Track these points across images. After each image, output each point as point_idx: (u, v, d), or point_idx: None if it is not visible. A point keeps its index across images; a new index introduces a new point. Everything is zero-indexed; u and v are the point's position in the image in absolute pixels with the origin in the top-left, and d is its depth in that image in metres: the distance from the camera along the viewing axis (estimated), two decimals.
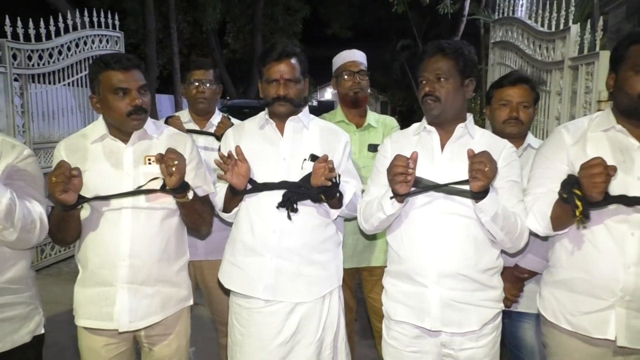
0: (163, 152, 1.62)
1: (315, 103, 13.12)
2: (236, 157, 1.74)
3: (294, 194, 1.76)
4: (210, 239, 2.27)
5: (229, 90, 13.54)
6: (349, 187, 1.85)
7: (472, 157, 1.47)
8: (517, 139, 2.01)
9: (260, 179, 1.82)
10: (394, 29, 15.38)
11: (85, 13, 5.26)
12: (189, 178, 1.68)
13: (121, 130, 1.73)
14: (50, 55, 4.85)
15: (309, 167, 1.76)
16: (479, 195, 1.50)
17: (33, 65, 4.64)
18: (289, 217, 1.77)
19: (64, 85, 5.14)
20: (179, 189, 1.63)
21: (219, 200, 1.89)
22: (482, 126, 1.84)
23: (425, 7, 10.81)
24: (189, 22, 13.99)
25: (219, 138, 2.34)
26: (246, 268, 1.84)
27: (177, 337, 1.85)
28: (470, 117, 1.74)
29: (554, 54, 3.69)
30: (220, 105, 7.88)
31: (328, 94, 19.88)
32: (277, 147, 1.87)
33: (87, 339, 1.76)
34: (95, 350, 1.76)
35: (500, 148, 1.67)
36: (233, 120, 2.48)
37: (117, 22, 5.70)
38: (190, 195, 1.68)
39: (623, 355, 1.54)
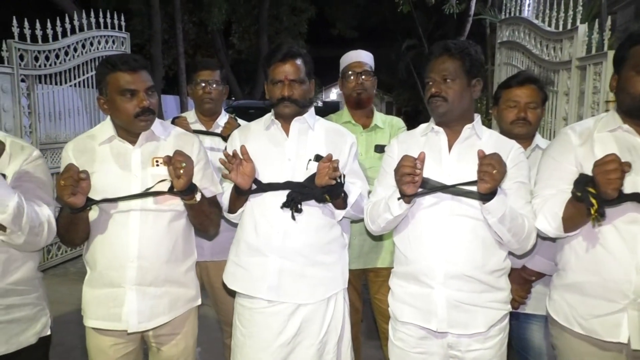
0: (170, 153, 1.62)
1: (320, 104, 13.12)
2: (241, 157, 1.74)
3: (298, 194, 1.76)
4: (217, 239, 2.27)
5: (234, 90, 13.57)
6: (354, 188, 1.84)
7: (482, 158, 1.46)
8: (525, 139, 2.00)
9: (265, 179, 1.82)
10: (400, 29, 15.36)
11: (92, 14, 5.29)
12: (196, 179, 1.68)
13: (129, 131, 1.73)
14: (57, 56, 4.88)
15: (314, 167, 1.75)
16: (486, 196, 1.50)
17: (40, 66, 4.66)
18: (293, 217, 1.76)
19: (71, 86, 5.16)
20: (187, 191, 1.63)
21: (225, 201, 1.90)
22: (489, 127, 1.83)
23: (430, 7, 10.79)
24: (194, 22, 14.04)
25: (225, 139, 2.34)
26: (250, 268, 1.84)
27: (184, 337, 1.85)
28: (477, 117, 1.73)
29: (561, 54, 3.67)
30: (226, 105, 7.90)
31: (333, 94, 19.89)
32: (282, 147, 1.86)
33: (95, 339, 1.77)
34: (104, 350, 1.76)
35: (508, 149, 1.66)
36: (239, 121, 2.48)
37: (123, 23, 5.72)
38: (198, 197, 1.68)
39: (636, 359, 1.53)
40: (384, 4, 13.99)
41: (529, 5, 4.67)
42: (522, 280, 1.93)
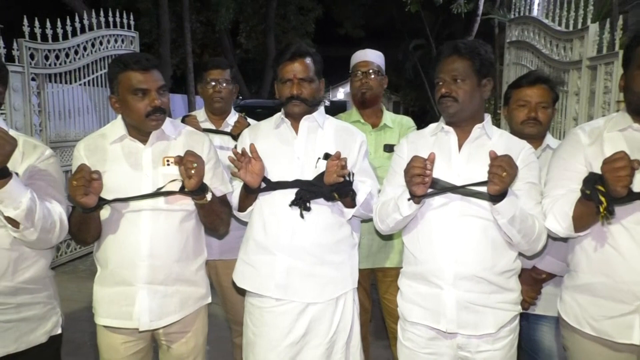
0: (181, 153, 1.63)
1: (327, 103, 13.12)
2: (250, 155, 1.75)
3: (306, 192, 1.76)
4: (226, 238, 2.27)
5: (241, 90, 13.60)
6: (363, 187, 1.84)
7: (493, 159, 1.45)
8: (536, 139, 1.99)
9: (274, 177, 1.82)
10: (407, 28, 15.32)
11: (101, 13, 5.32)
12: (206, 178, 1.69)
13: (140, 130, 1.74)
14: (67, 55, 4.91)
15: (323, 166, 1.75)
16: (496, 198, 1.49)
17: (50, 64, 4.69)
18: (302, 216, 1.76)
19: (80, 84, 5.19)
20: (198, 191, 1.64)
21: (234, 199, 1.90)
22: (497, 127, 1.82)
23: (438, 7, 10.75)
24: (202, 22, 14.07)
25: (234, 137, 2.35)
26: (258, 266, 1.84)
27: (194, 335, 1.86)
28: (488, 117, 1.72)
29: (571, 53, 3.65)
30: (233, 105, 7.88)
31: (341, 93, 19.88)
32: (292, 146, 1.87)
33: (107, 336, 1.78)
34: (115, 347, 1.77)
35: (518, 149, 1.65)
36: (249, 120, 2.48)
37: (132, 22, 5.74)
38: (208, 196, 1.69)
39: None
40: (392, 4, 13.95)
41: (538, 4, 4.65)
42: (532, 281, 1.92)
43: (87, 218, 1.64)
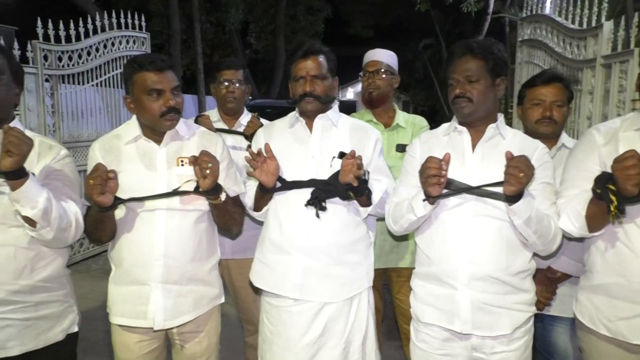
0: (195, 153, 1.64)
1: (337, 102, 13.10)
2: (265, 155, 1.75)
3: (321, 192, 1.75)
4: (238, 237, 2.28)
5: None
6: (379, 185, 1.83)
7: (510, 160, 1.44)
8: (551, 139, 1.97)
9: (289, 177, 1.82)
10: (416, 28, 15.26)
11: (113, 15, 5.36)
12: (220, 178, 1.69)
13: (154, 130, 1.75)
14: (80, 56, 4.95)
15: (337, 165, 1.75)
16: (512, 198, 1.48)
17: (63, 66, 4.74)
18: (317, 216, 1.76)
19: (92, 85, 5.24)
20: (212, 191, 1.65)
21: (248, 200, 1.90)
22: (509, 126, 1.81)
23: (448, 6, 10.70)
24: (212, 22, 14.12)
25: (247, 137, 2.36)
26: (274, 266, 1.84)
27: (207, 335, 1.86)
28: (501, 117, 1.71)
29: (585, 51, 3.61)
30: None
31: (350, 93, 19.84)
32: (306, 145, 1.86)
33: (121, 335, 1.79)
34: (129, 346, 1.79)
35: (532, 149, 1.64)
36: (262, 120, 2.49)
37: (143, 23, 5.78)
38: (222, 196, 1.70)
39: None
40: (401, 3, 13.90)
41: (550, 2, 4.60)
42: (547, 281, 1.90)
43: (102, 217, 1.65)
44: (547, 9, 4.53)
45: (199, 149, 1.68)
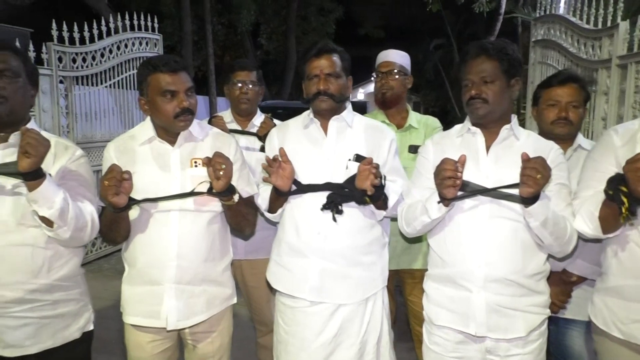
0: (208, 154, 1.64)
1: None
2: (280, 159, 1.75)
3: (338, 196, 1.75)
4: (251, 238, 2.28)
5: None
6: (395, 187, 1.82)
7: (526, 161, 1.43)
8: (566, 140, 1.95)
9: (304, 179, 1.81)
10: (427, 28, 15.19)
11: (126, 16, 5.40)
12: (233, 179, 1.69)
13: (168, 131, 1.76)
14: (93, 58, 4.99)
15: (353, 167, 1.74)
16: (528, 200, 1.47)
17: (77, 67, 4.79)
18: (334, 219, 1.76)
19: (106, 87, 5.28)
20: (226, 192, 1.65)
21: (262, 202, 1.90)
22: (522, 127, 1.80)
23: (459, 6, 10.64)
24: (223, 24, 14.20)
25: (261, 138, 2.37)
26: (292, 269, 1.84)
27: (220, 335, 1.87)
28: (514, 118, 1.70)
29: (600, 52, 3.57)
30: None
31: (360, 94, 19.82)
32: (321, 147, 1.86)
33: (134, 335, 1.80)
34: (142, 346, 1.80)
35: (547, 150, 1.63)
36: (275, 120, 2.49)
37: (156, 25, 5.81)
38: (236, 198, 1.70)
39: None
40: (412, 3, 13.86)
41: (564, 2, 4.56)
42: (563, 284, 1.88)
43: (117, 218, 1.66)
44: (561, 9, 4.49)
45: (213, 150, 1.68)
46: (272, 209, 1.89)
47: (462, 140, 1.72)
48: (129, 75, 5.52)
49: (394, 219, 1.90)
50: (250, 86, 2.43)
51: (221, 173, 1.59)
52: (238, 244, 2.31)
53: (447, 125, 2.50)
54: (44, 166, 1.46)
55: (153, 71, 1.68)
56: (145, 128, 1.79)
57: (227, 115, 2.52)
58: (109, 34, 5.15)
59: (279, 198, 1.84)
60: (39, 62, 4.39)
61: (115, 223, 1.69)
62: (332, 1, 14.98)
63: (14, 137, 1.56)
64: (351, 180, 1.73)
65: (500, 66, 1.60)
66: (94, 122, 5.18)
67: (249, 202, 1.87)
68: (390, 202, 1.80)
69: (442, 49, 14.50)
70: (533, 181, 1.42)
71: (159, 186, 1.71)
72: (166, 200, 1.69)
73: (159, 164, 1.74)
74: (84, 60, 4.86)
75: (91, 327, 1.75)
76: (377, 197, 1.74)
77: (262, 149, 2.26)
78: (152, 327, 1.76)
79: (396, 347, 1.98)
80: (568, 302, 1.91)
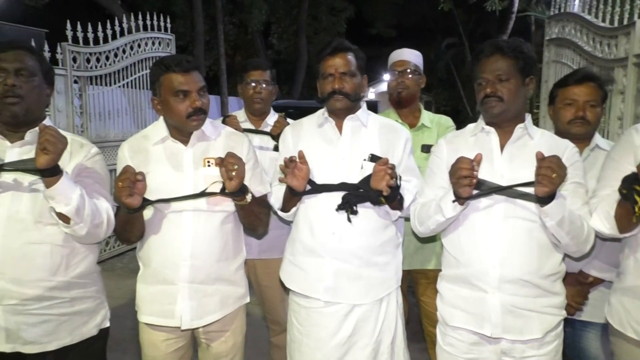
0: (221, 153, 1.65)
1: None
2: (297, 161, 1.74)
3: (353, 197, 1.74)
4: (264, 237, 2.28)
5: None
6: (410, 187, 1.82)
7: (541, 160, 1.42)
8: (583, 139, 1.92)
9: (319, 179, 1.81)
10: (439, 27, 15.13)
11: (139, 17, 5.43)
12: (245, 179, 1.69)
13: (181, 131, 1.76)
14: (107, 58, 5.03)
15: (368, 167, 1.73)
16: (544, 199, 1.45)
17: (91, 67, 4.83)
18: (349, 220, 1.75)
19: (119, 86, 5.32)
20: (238, 192, 1.65)
21: (275, 201, 1.90)
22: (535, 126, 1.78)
23: (471, 5, 10.57)
24: (234, 23, 14.25)
25: (274, 137, 2.36)
26: (306, 269, 1.84)
27: (233, 334, 1.87)
28: (529, 117, 1.69)
29: (616, 50, 3.52)
30: None
31: (371, 93, 19.77)
32: (336, 147, 1.85)
33: (148, 333, 1.82)
34: (156, 344, 1.81)
35: (562, 149, 1.61)
36: (288, 120, 2.49)
37: (168, 25, 5.85)
38: (248, 197, 1.70)
39: None
40: (424, 2, 13.80)
41: (579, 0, 4.50)
42: (579, 285, 1.86)
43: (131, 218, 1.68)
44: (575, 7, 4.43)
45: (225, 149, 1.69)
46: (286, 208, 1.88)
47: (476, 140, 1.71)
48: (142, 75, 5.56)
49: (408, 219, 1.89)
50: (264, 85, 2.43)
51: (233, 173, 1.59)
52: (252, 243, 2.31)
53: (459, 125, 2.48)
54: (60, 164, 1.48)
55: (165, 71, 1.69)
56: (158, 128, 1.80)
57: (240, 114, 2.53)
58: (122, 34, 5.19)
59: (293, 198, 1.83)
60: (54, 63, 4.43)
61: (130, 223, 1.70)
62: (343, 0, 14.94)
63: (30, 135, 1.58)
64: (366, 180, 1.72)
65: (515, 64, 1.59)
66: (107, 122, 5.22)
67: (262, 202, 1.87)
68: (406, 203, 1.79)
69: (453, 48, 14.42)
70: (548, 180, 1.40)
71: (172, 186, 1.72)
72: (179, 200, 1.70)
73: (172, 164, 1.75)
74: (97, 60, 4.90)
75: (107, 324, 1.77)
76: (393, 198, 1.72)
77: (276, 148, 2.26)
78: (167, 326, 1.77)
79: (409, 347, 1.97)
80: (584, 304, 1.88)
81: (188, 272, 1.72)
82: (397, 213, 1.82)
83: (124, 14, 5.92)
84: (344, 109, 1.83)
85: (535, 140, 1.64)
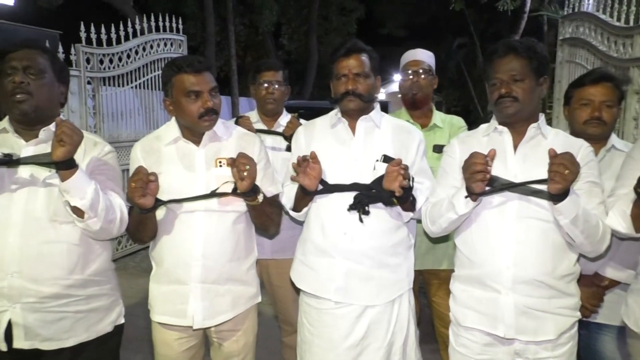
0: (232, 154, 1.65)
1: None
2: (310, 160, 1.74)
3: (365, 197, 1.73)
4: (277, 237, 2.29)
5: None
6: (422, 189, 1.81)
7: (553, 157, 1.40)
8: (599, 140, 1.90)
9: (331, 179, 1.81)
10: (450, 27, 15.03)
11: (151, 18, 5.48)
12: (257, 179, 1.70)
13: (193, 131, 1.77)
14: (120, 59, 5.08)
15: (381, 168, 1.73)
16: (557, 197, 1.44)
17: (104, 68, 4.87)
18: (361, 220, 1.74)
19: (131, 87, 5.37)
20: (250, 192, 1.66)
21: (287, 201, 1.90)
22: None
23: (483, 4, 10.50)
24: (245, 24, 14.27)
25: (287, 138, 2.37)
26: (317, 269, 1.84)
27: (245, 334, 1.88)
28: (542, 117, 1.67)
29: (631, 50, 3.48)
30: None
31: (381, 94, 19.74)
32: (349, 147, 1.85)
33: (161, 332, 1.83)
34: (168, 343, 1.82)
35: (576, 148, 1.59)
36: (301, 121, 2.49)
37: (180, 26, 5.88)
38: (260, 198, 1.71)
39: None
40: (435, 2, 13.73)
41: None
42: (594, 287, 1.84)
43: (144, 218, 1.69)
44: (590, 6, 4.38)
45: (237, 149, 1.70)
46: (298, 207, 1.88)
47: (489, 139, 1.70)
48: (154, 76, 5.59)
49: (420, 221, 1.88)
50: (277, 86, 2.44)
51: (245, 174, 1.60)
52: (264, 243, 2.32)
53: (470, 125, 2.47)
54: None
55: (177, 72, 1.70)
56: (171, 128, 1.81)
57: (253, 115, 2.53)
58: (134, 35, 5.22)
59: (305, 197, 1.83)
60: (68, 64, 4.47)
61: (142, 223, 1.72)
62: (354, 0, 14.92)
63: (44, 134, 1.60)
64: (379, 180, 1.72)
65: (529, 64, 1.58)
66: (120, 122, 5.27)
67: (274, 202, 1.87)
68: (418, 204, 1.79)
69: (464, 48, 14.32)
70: (561, 177, 1.39)
71: (184, 186, 1.72)
72: (191, 200, 1.71)
73: (184, 164, 1.76)
74: (110, 61, 4.94)
75: (122, 321, 1.79)
76: (405, 199, 1.72)
77: (288, 149, 2.26)
78: (179, 326, 1.78)
79: (420, 348, 1.96)
80: (600, 307, 1.86)
81: (200, 272, 1.73)
82: (410, 214, 1.81)
83: (136, 16, 5.97)
84: (357, 110, 1.83)
85: (549, 139, 1.63)
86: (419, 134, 1.92)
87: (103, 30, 4.78)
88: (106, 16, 6.59)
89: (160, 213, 1.75)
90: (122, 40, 5.07)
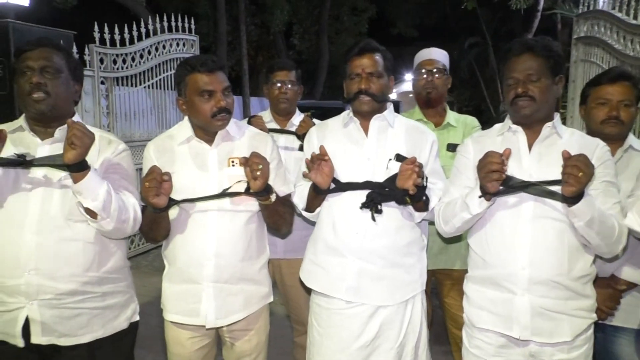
0: (245, 153, 1.65)
1: None
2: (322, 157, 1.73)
3: (378, 195, 1.72)
4: (290, 237, 2.29)
5: None
6: (435, 189, 1.80)
7: (567, 159, 1.39)
8: (616, 140, 1.87)
9: (343, 178, 1.80)
10: (462, 26, 14.92)
11: (164, 18, 5.51)
12: (269, 178, 1.70)
13: (206, 131, 1.77)
14: (133, 59, 5.12)
15: (394, 167, 1.72)
16: (571, 199, 1.42)
17: (117, 68, 4.92)
18: (373, 219, 1.73)
19: (144, 87, 5.40)
20: (263, 192, 1.66)
21: (299, 201, 1.90)
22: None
23: (495, 3, 10.41)
24: (256, 24, 14.31)
25: (300, 137, 2.37)
26: (328, 268, 1.83)
27: (257, 333, 1.88)
28: (557, 116, 1.65)
29: None
30: None
31: (393, 94, 19.68)
32: (361, 146, 1.84)
33: (174, 331, 1.84)
34: (181, 342, 1.83)
35: (592, 147, 1.58)
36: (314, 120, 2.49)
37: (192, 26, 5.91)
38: (273, 197, 1.71)
39: None
40: (446, 1, 13.64)
41: None
42: (611, 289, 1.81)
43: (157, 217, 1.70)
44: (605, 4, 4.31)
45: (250, 149, 1.70)
46: (311, 207, 1.88)
47: (503, 139, 1.69)
48: (167, 76, 5.63)
49: (432, 223, 1.87)
50: (289, 86, 2.44)
51: (258, 173, 1.60)
52: (277, 243, 2.32)
53: (482, 125, 2.45)
54: (88, 160, 1.50)
55: (191, 71, 1.70)
56: (184, 128, 1.82)
57: (266, 114, 2.54)
58: (147, 35, 5.26)
59: (317, 196, 1.83)
60: (82, 64, 4.52)
61: (156, 223, 1.73)
62: (365, 0, 14.88)
63: (59, 132, 1.61)
64: (392, 179, 1.71)
65: (545, 63, 1.57)
66: (133, 122, 5.31)
67: (286, 201, 1.87)
68: (431, 204, 1.77)
69: (476, 47, 14.21)
70: (575, 179, 1.37)
71: (197, 185, 1.73)
72: (204, 200, 1.72)
73: (197, 164, 1.77)
74: (124, 61, 4.99)
75: (137, 318, 1.80)
76: (419, 198, 1.71)
77: (301, 148, 2.26)
78: (192, 325, 1.79)
79: (432, 350, 1.95)
80: (616, 309, 1.83)
81: (212, 271, 1.74)
82: (422, 215, 1.80)
83: (149, 16, 6.01)
84: (369, 110, 1.82)
85: (565, 139, 1.61)
86: (432, 135, 1.91)
87: (116, 30, 4.83)
88: (119, 17, 6.65)
89: (173, 212, 1.76)
90: (135, 40, 5.11)
